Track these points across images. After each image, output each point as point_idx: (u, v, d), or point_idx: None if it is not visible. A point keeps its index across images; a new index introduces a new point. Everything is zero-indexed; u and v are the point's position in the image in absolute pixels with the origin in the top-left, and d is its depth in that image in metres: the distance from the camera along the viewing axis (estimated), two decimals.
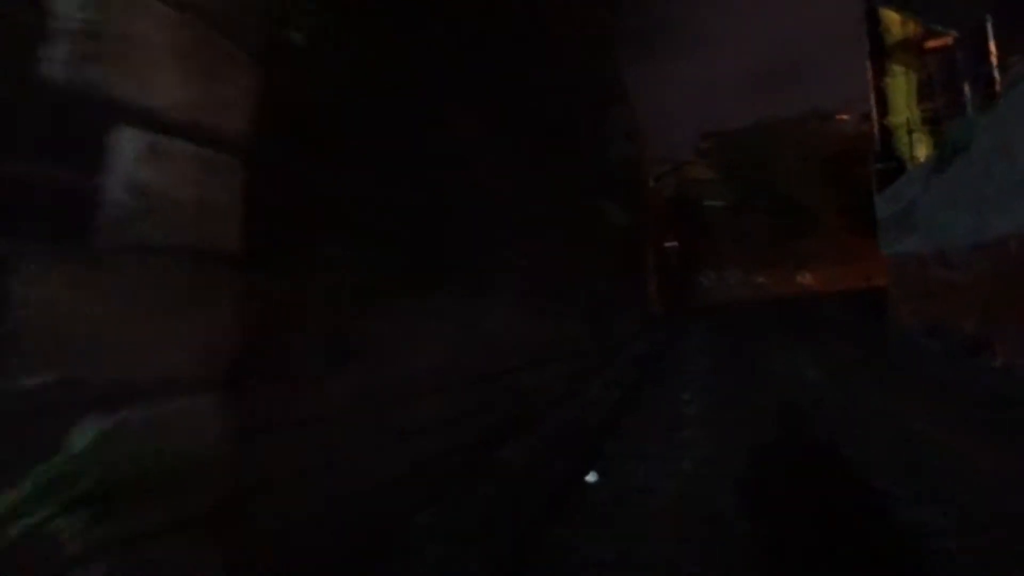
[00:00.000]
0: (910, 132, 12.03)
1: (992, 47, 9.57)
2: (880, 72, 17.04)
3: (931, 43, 12.97)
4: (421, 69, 3.64)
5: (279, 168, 2.11)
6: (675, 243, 30.02)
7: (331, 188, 2.64)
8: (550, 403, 5.78)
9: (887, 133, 13.53)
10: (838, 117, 31.94)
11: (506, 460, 4.14)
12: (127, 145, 1.38)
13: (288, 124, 2.13)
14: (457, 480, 3.57)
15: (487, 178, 5.02)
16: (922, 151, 12.26)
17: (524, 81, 6.25)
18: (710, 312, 23.18)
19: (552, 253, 6.88)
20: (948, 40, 12.68)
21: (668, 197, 35.40)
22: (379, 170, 3.15)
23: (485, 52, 4.77)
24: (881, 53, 14.93)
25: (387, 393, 3.04)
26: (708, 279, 34.93)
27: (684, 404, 6.42)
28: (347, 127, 2.83)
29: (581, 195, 8.15)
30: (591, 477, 4.19)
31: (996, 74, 9.50)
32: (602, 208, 9.41)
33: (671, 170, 38.32)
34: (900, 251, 12.22)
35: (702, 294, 33.40)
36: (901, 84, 12.55)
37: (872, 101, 22.95)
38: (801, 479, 3.87)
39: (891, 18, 13.06)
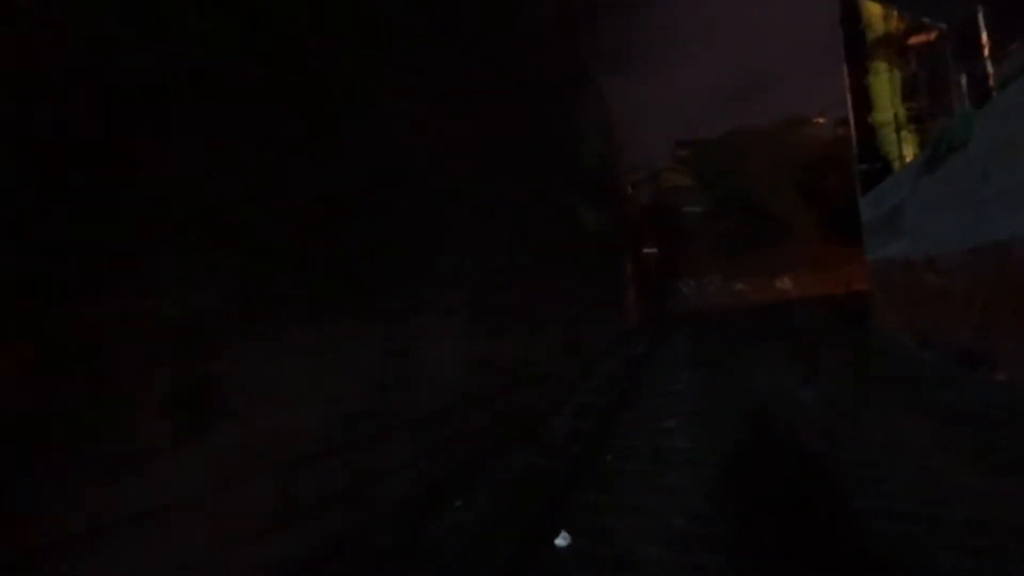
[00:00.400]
0: (898, 130, 11.47)
1: (985, 39, 9.02)
2: (859, 70, 16.63)
3: (914, 39, 12.48)
4: (331, 14, 2.78)
5: (68, 146, 1.24)
6: (654, 250, 29.44)
7: (168, 176, 1.79)
8: (506, 444, 4.89)
9: (871, 132, 13.01)
10: (815, 120, 31.79)
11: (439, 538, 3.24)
12: None
13: (88, 80, 1.28)
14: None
15: (427, 169, 4.16)
16: (908, 151, 11.72)
17: (479, 53, 5.41)
18: (690, 320, 22.55)
19: (516, 260, 6.03)
20: (932, 36, 12.21)
21: (645, 204, 34.99)
22: (254, 152, 2.29)
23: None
24: (862, 50, 14.45)
25: (271, 458, 2.17)
26: (687, 286, 34.46)
27: (667, 434, 5.60)
28: (198, 86, 1.99)
29: (551, 194, 7.32)
30: (561, 540, 3.32)
31: (989, 67, 8.94)
32: (576, 210, 8.59)
33: (648, 177, 38.00)
34: (885, 256, 11.64)
35: (681, 301, 32.87)
36: (885, 81, 12.02)
37: (849, 102, 22.66)
38: (810, 541, 3.06)
39: (873, 13, 12.56)
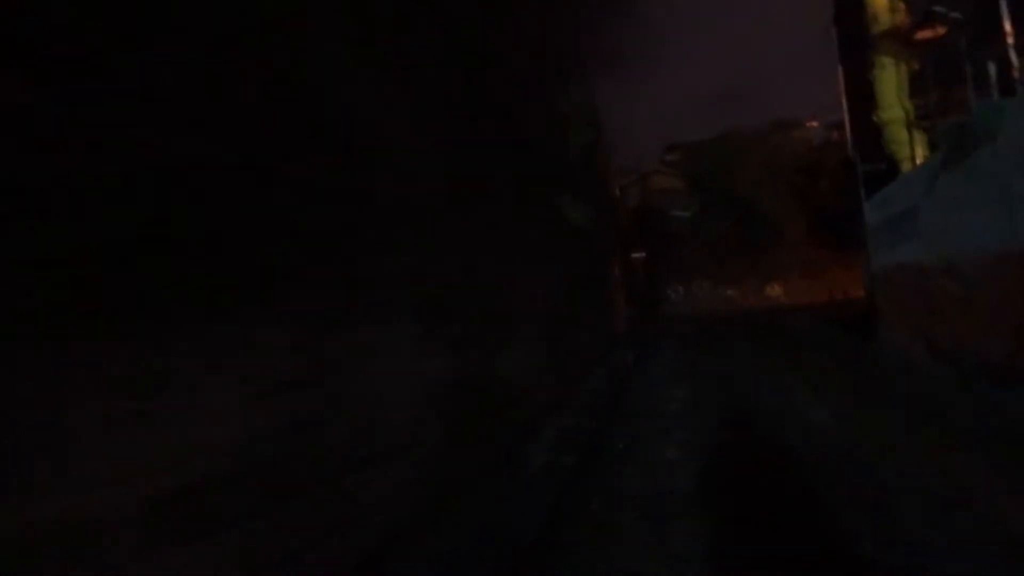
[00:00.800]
0: (909, 127, 10.70)
1: (1007, 27, 8.27)
2: (856, 70, 15.96)
3: (921, 34, 11.75)
4: None
5: None
6: (642, 254, 28.64)
7: None
8: (457, 496, 3.89)
9: (875, 131, 12.25)
10: (807, 124, 31.25)
11: None
12: None
13: None
14: None
15: (375, 141, 3.22)
16: (918, 150, 10.96)
17: (447, 22, 4.48)
18: (680, 327, 21.73)
19: (489, 260, 5.08)
20: (940, 31, 11.51)
21: (634, 207, 34.31)
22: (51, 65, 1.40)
23: None
24: (858, 49, 13.77)
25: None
26: (676, 292, 33.73)
27: (664, 471, 4.67)
28: None
29: (531, 181, 6.39)
30: None
31: (1013, 57, 8.19)
32: (560, 202, 7.65)
33: (637, 179, 37.38)
34: (894, 261, 10.88)
35: (669, 307, 32.12)
36: (891, 76, 11.26)
37: (844, 104, 22.03)
38: None
39: (879, 5, 11.80)
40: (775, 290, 32.93)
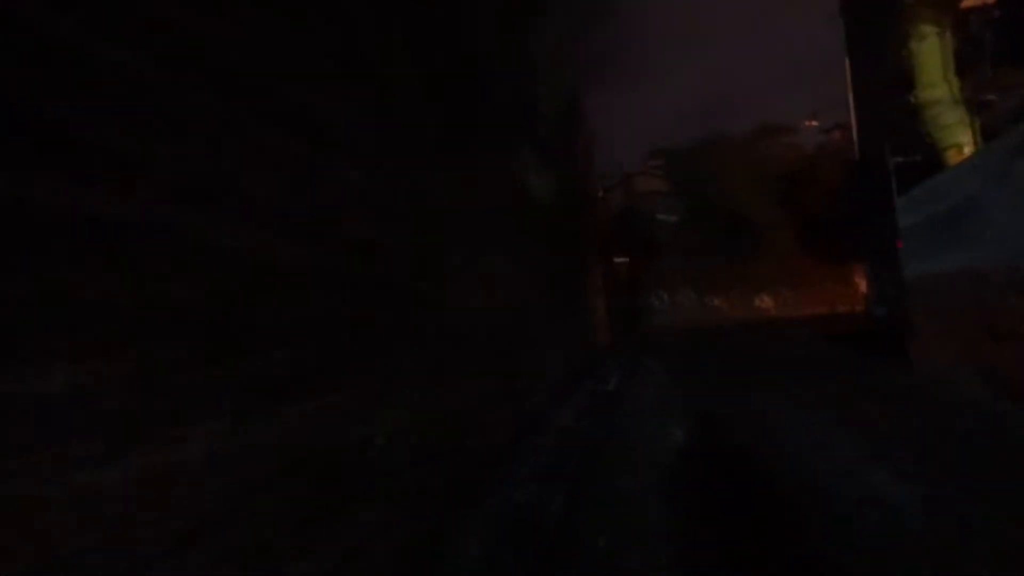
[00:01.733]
0: (968, 106, 8.78)
1: None
2: (871, 54, 14.16)
3: (969, 1, 9.84)
4: None
5: None
6: (625, 259, 26.63)
7: None
8: None
9: (904, 119, 10.31)
10: (808, 124, 29.57)
11: None
12: None
13: None
14: None
15: None
16: (958, 135, 9.04)
17: None
18: (669, 341, 19.66)
19: (377, 232, 2.90)
20: None
21: (617, 210, 32.39)
22: None
23: None
24: (886, 26, 11.86)
25: None
26: (660, 301, 31.79)
27: None
28: None
29: (476, 134, 4.22)
30: None
31: None
32: (521, 171, 5.52)
33: (621, 181, 35.57)
34: (938, 269, 8.92)
35: (654, 317, 30.14)
36: (935, 49, 9.30)
37: (851, 100, 20.19)
38: None
39: None
40: (764, 302, 31.23)
